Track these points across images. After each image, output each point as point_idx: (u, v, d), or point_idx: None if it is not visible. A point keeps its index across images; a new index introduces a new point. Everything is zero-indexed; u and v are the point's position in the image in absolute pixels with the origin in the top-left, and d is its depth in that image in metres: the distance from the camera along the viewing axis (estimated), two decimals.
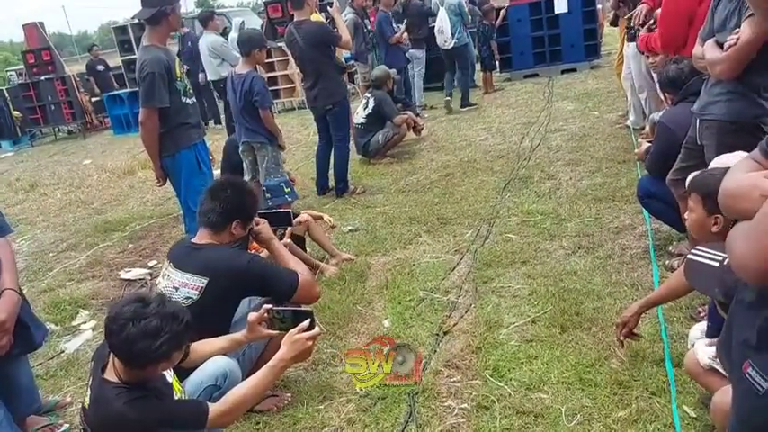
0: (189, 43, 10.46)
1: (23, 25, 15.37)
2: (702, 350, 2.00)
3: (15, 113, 13.75)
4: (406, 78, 8.83)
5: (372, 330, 3.17)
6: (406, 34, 8.39)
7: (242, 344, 2.38)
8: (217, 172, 4.98)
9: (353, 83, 10.28)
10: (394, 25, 8.28)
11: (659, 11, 3.75)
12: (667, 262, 3.32)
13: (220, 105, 10.21)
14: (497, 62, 10.72)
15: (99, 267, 4.84)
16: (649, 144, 3.52)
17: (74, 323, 3.87)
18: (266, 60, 9.15)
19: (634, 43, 4.74)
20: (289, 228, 3.37)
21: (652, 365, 2.50)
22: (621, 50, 6.20)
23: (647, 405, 2.29)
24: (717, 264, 1.66)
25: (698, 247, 1.79)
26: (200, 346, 2.29)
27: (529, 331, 2.92)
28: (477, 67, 10.28)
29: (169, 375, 2.06)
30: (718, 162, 2.36)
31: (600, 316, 2.92)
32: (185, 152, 3.97)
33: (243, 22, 9.88)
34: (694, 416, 2.20)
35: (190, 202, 3.94)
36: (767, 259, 1.09)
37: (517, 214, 4.44)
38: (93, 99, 13.96)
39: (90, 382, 1.97)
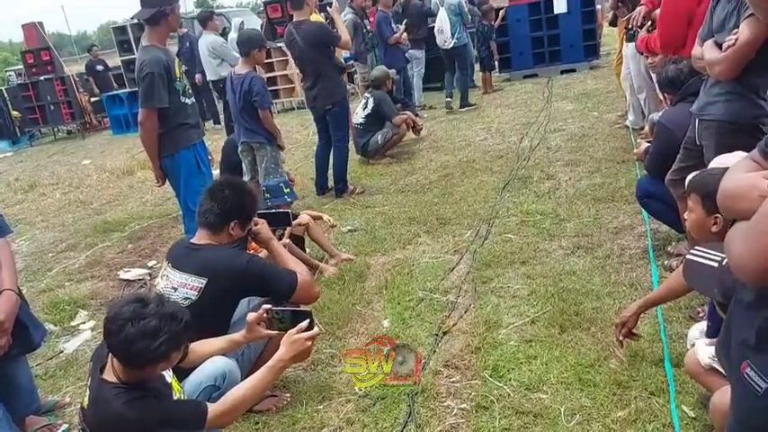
0: (187, 44, 10.46)
1: (23, 25, 15.36)
2: (703, 350, 2.00)
3: (14, 113, 13.75)
4: (405, 78, 8.83)
5: (371, 331, 3.17)
6: (405, 35, 8.39)
7: (241, 344, 2.38)
8: (216, 172, 4.98)
9: (353, 83, 10.28)
10: (393, 25, 8.28)
11: (658, 11, 3.75)
12: (666, 262, 3.33)
13: (219, 105, 10.21)
14: (496, 62, 10.73)
15: (98, 267, 4.84)
16: (648, 144, 3.53)
17: (73, 323, 3.87)
18: (266, 60, 9.13)
19: (633, 43, 4.74)
20: (288, 228, 3.37)
21: (651, 366, 2.50)
22: (620, 51, 6.20)
23: (645, 405, 2.29)
24: (715, 264, 1.66)
25: (697, 248, 1.79)
26: (199, 347, 2.29)
27: (528, 331, 2.92)
28: (477, 67, 10.29)
29: (168, 376, 2.06)
30: (717, 162, 2.36)
31: (599, 316, 2.92)
32: (184, 152, 3.96)
33: (242, 22, 9.89)
34: (693, 416, 2.20)
35: (189, 203, 3.94)
36: (766, 259, 1.08)
37: (516, 214, 4.44)
38: (93, 99, 13.97)
39: (89, 383, 1.97)
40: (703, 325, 2.22)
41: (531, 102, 8.61)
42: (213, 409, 1.97)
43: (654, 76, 4.62)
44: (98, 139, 12.97)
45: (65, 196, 7.68)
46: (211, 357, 2.30)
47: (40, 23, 15.25)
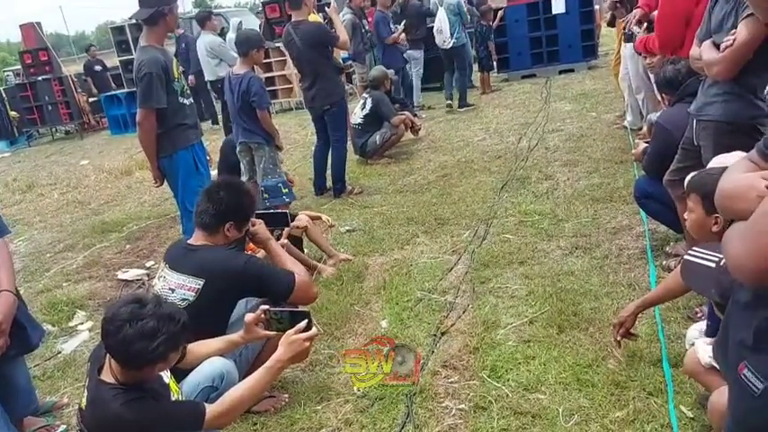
0: (183, 45, 10.45)
1: (20, 25, 15.34)
2: (703, 349, 2.00)
3: (12, 114, 13.72)
4: (404, 78, 8.82)
5: (370, 331, 3.17)
6: (403, 35, 8.39)
7: (239, 345, 2.38)
8: (214, 172, 4.98)
9: (351, 83, 10.28)
10: (391, 26, 8.28)
11: (654, 14, 3.76)
12: (664, 262, 3.33)
13: (218, 106, 10.20)
14: (495, 63, 10.73)
15: (96, 268, 4.83)
16: (646, 144, 3.53)
17: (71, 324, 3.86)
18: (264, 61, 9.12)
19: (631, 44, 4.75)
20: (286, 228, 3.37)
21: (649, 366, 2.50)
22: (619, 51, 6.21)
23: (644, 405, 2.29)
24: (713, 265, 1.66)
25: (694, 248, 1.79)
26: (196, 348, 2.29)
27: (526, 332, 2.92)
28: (475, 67, 10.29)
29: (166, 376, 2.06)
30: (716, 162, 2.36)
31: (597, 316, 2.93)
32: (182, 153, 3.96)
33: (240, 22, 9.87)
34: (691, 416, 2.20)
35: (187, 203, 3.93)
36: (764, 259, 1.08)
37: (515, 215, 4.44)
38: (91, 99, 13.95)
39: (87, 383, 1.97)
40: (702, 325, 2.22)
41: (530, 102, 8.61)
42: (211, 409, 1.97)
43: (652, 76, 4.63)
44: (96, 139, 12.96)
45: (63, 197, 7.67)
46: (209, 358, 2.30)
47: (38, 24, 15.24)
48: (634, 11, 4.35)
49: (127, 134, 11.90)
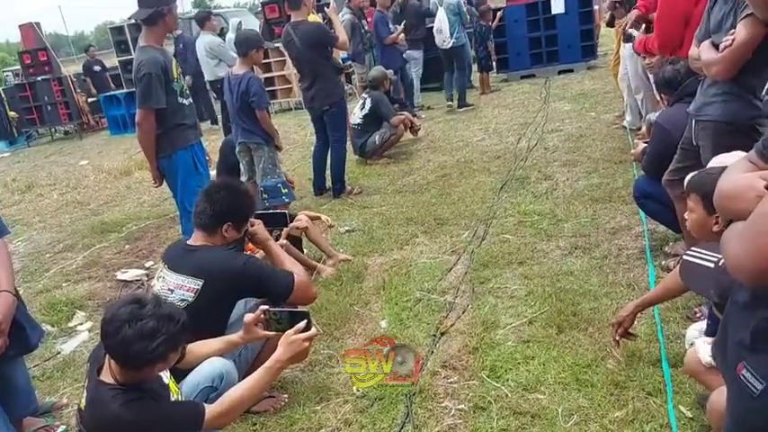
0: (181, 45, 10.44)
1: (20, 26, 15.31)
2: (704, 348, 2.00)
3: (12, 114, 13.72)
4: (404, 78, 8.82)
5: (369, 331, 3.17)
6: (402, 35, 8.39)
7: (238, 345, 2.38)
8: (213, 173, 4.98)
9: (351, 83, 10.28)
10: (390, 26, 8.28)
11: (653, 15, 3.76)
12: (663, 262, 3.33)
13: (217, 106, 10.20)
14: (494, 63, 10.73)
15: (95, 268, 4.83)
16: (645, 145, 3.53)
17: (70, 324, 3.86)
18: (263, 61, 9.11)
19: (630, 44, 4.75)
20: (285, 228, 3.37)
21: (648, 366, 2.50)
22: (618, 51, 6.21)
23: (643, 405, 2.29)
24: (712, 265, 1.66)
25: (693, 248, 1.79)
26: (196, 348, 2.29)
27: (526, 332, 2.92)
28: (474, 67, 10.29)
29: (165, 377, 2.06)
30: (716, 161, 2.36)
31: (596, 316, 2.93)
32: (182, 153, 3.96)
33: (240, 22, 9.87)
34: (690, 416, 2.20)
35: (186, 203, 3.93)
36: (762, 259, 1.08)
37: (514, 215, 4.44)
38: (90, 99, 13.94)
39: (86, 384, 1.97)
40: (701, 325, 2.22)
41: (529, 102, 8.62)
42: (211, 410, 1.97)
43: (651, 76, 4.63)
44: (95, 139, 12.95)
45: (62, 197, 7.67)
46: (209, 358, 2.30)
47: (38, 24, 15.21)
48: (631, 12, 4.36)
49: (126, 134, 11.89)
